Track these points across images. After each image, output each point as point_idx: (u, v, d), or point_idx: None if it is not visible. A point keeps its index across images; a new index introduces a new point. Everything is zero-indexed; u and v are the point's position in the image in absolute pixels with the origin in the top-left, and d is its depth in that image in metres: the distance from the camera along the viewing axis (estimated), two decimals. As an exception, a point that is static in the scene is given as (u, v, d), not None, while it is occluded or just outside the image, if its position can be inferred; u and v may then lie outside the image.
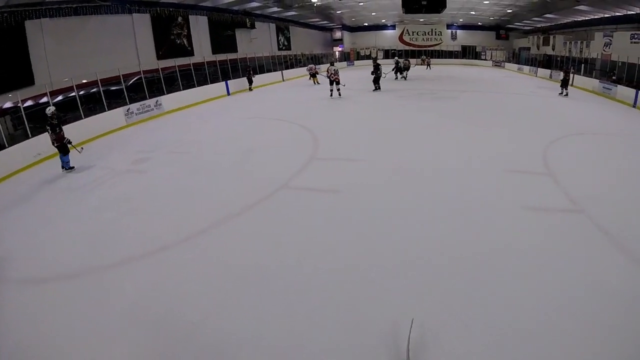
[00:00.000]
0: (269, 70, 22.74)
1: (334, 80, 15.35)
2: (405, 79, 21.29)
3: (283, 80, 23.07)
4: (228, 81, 18.02)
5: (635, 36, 17.03)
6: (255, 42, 23.84)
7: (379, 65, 17.42)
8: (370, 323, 3.26)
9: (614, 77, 18.14)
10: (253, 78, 19.51)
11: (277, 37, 27.58)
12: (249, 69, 19.72)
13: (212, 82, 17.15)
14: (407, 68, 21.78)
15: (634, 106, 14.25)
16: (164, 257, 4.44)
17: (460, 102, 14.30)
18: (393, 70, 21.65)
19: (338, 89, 15.42)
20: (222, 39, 20.98)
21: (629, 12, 18.66)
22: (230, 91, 17.81)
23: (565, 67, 18.01)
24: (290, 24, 29.24)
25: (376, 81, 16.96)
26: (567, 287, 3.64)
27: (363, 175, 6.67)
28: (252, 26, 23.38)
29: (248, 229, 5.06)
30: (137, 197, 6.29)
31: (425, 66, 30.30)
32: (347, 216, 5.22)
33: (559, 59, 25.65)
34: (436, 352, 2.95)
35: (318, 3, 23.47)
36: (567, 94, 15.96)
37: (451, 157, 7.56)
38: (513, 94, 16.45)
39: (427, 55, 34.61)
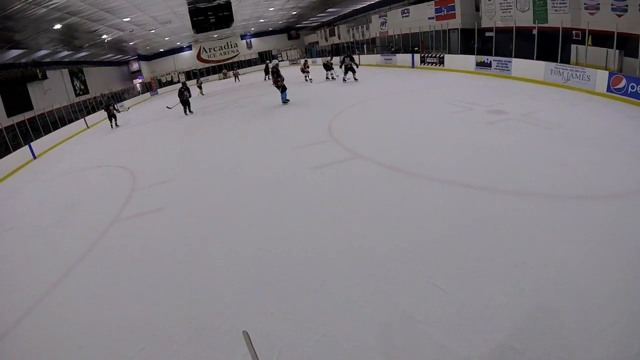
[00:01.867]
0: (70, 120, 20.26)
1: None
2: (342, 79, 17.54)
3: (87, 126, 20.95)
4: (31, 143, 15.57)
5: (405, 11, 20.66)
6: (50, 93, 20.89)
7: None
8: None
9: (393, 49, 21.86)
10: (116, 110, 18.01)
11: (72, 82, 24.63)
12: (110, 102, 18.28)
13: (14, 150, 14.57)
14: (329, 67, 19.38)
15: (412, 67, 17.69)
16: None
17: (259, 105, 15.36)
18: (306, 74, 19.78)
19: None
20: (16, 98, 17.85)
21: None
22: (36, 153, 15.47)
23: (346, 54, 19.41)
24: (83, 66, 26.34)
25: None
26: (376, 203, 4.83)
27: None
28: (44, 76, 20.39)
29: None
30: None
31: (234, 79, 31.14)
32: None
33: (345, 45, 29.47)
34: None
35: (109, 38, 21.91)
36: (356, 79, 16.61)
37: (256, 150, 8.87)
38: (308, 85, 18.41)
39: (232, 68, 35.46)
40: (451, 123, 8.20)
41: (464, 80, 13.18)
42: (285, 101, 14.11)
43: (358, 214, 4.95)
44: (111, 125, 18.29)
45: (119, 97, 27.88)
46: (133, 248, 5.25)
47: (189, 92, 16.95)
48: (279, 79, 13.82)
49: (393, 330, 3.04)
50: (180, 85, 17.30)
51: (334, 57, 23.55)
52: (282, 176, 6.81)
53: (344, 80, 16.66)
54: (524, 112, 8.05)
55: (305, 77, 19.63)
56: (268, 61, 30.03)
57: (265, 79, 25.14)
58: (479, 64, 13.88)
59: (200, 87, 25.77)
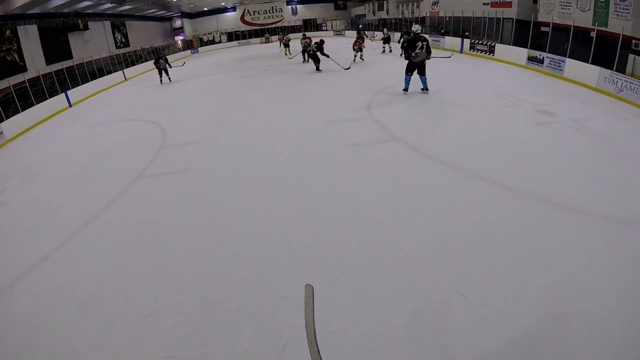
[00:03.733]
0: (109, 72, 20.55)
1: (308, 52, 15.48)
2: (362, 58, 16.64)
3: (125, 79, 21.17)
4: (68, 92, 15.90)
5: (460, -7, 19.59)
6: (91, 43, 21.25)
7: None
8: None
9: (442, 31, 21.03)
10: (168, 64, 17.01)
11: (114, 35, 24.93)
12: (161, 54, 17.47)
13: (50, 96, 14.91)
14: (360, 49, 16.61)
15: (460, 52, 16.97)
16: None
17: (298, 73, 15.32)
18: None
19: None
20: (55, 47, 18.29)
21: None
22: (72, 102, 15.80)
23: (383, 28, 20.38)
24: (126, 19, 26.58)
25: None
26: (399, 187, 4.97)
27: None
28: (86, 27, 20.73)
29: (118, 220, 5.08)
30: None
31: (280, 45, 30.46)
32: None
33: (393, 21, 28.52)
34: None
35: (154, -8, 21.90)
36: (390, 50, 18.66)
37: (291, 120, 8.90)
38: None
39: (278, 32, 35.06)
40: (497, 118, 7.79)
41: (514, 73, 12.50)
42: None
43: (387, 202, 4.78)
44: (161, 81, 16.84)
45: (159, 52, 28.02)
46: (151, 208, 5.28)
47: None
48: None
49: (409, 335, 2.90)
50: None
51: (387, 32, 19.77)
52: (313, 151, 6.71)
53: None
54: (574, 118, 7.54)
55: (355, 56, 16.29)
56: (282, 34, 29.36)
57: (279, 53, 23.40)
58: (531, 59, 13.11)
59: (287, 46, 22.50)
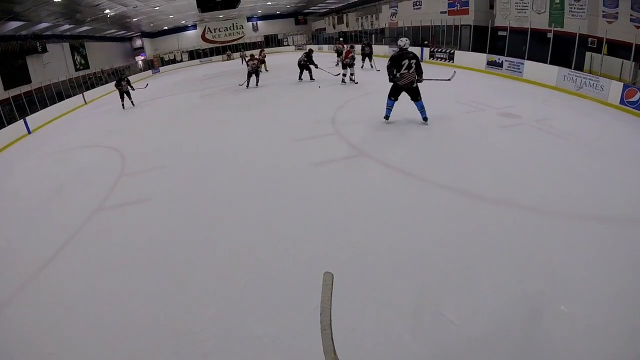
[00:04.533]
0: (68, 95, 19.85)
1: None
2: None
3: (85, 102, 20.52)
4: (26, 118, 15.23)
5: (417, 3, 20.18)
6: (50, 66, 20.50)
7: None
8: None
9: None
10: (130, 87, 15.75)
11: (73, 57, 24.20)
12: (123, 75, 16.15)
13: (9, 124, 14.23)
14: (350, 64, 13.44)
15: (421, 61, 17.28)
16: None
17: (267, 90, 15.03)
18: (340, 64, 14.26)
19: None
20: (14, 71, 17.56)
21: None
22: (31, 128, 15.14)
23: (365, 41, 19.92)
24: (85, 40, 25.86)
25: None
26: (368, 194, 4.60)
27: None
28: (44, 50, 20.00)
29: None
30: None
31: (241, 60, 30.35)
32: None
33: (353, 34, 28.96)
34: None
35: (112, 13, 21.41)
36: (379, 69, 15.38)
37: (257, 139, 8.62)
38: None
39: (239, 49, 34.96)
40: (462, 124, 7.89)
41: (474, 79, 12.87)
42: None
43: (360, 218, 4.69)
44: (123, 105, 15.48)
45: (120, 73, 27.36)
46: (112, 243, 4.98)
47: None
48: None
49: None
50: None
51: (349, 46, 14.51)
52: (282, 169, 6.59)
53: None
54: (538, 118, 7.79)
55: (344, 76, 13.71)
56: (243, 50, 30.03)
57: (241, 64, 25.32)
58: (490, 63, 13.55)
59: (263, 62, 19.80)
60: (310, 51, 14.91)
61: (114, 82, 16.94)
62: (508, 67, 12.71)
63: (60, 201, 6.72)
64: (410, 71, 7.76)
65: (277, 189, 5.83)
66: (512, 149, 6.33)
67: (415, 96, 7.96)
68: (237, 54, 34.39)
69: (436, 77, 8.79)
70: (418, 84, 7.88)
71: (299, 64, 14.92)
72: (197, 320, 3.38)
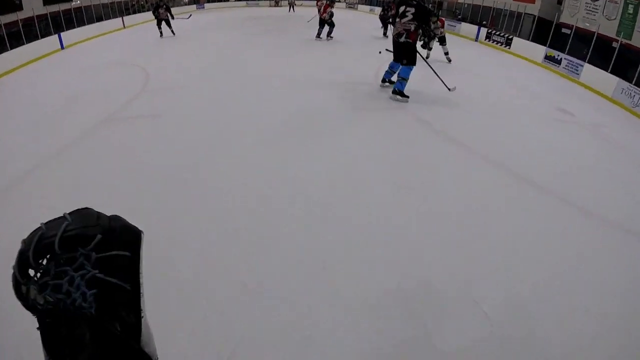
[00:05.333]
0: (108, 17, 19.40)
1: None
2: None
3: (124, 26, 20.12)
4: (61, 34, 15.07)
5: (479, -21, 19.00)
6: (93, -12, 19.94)
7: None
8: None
9: (459, 17, 20.55)
10: (170, 15, 15.43)
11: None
12: (161, 2, 15.47)
13: (43, 37, 14.11)
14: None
15: (476, 40, 16.61)
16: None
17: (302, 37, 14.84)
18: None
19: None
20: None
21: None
22: (65, 44, 15.02)
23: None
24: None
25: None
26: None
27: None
28: (90, -31, 19.38)
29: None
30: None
31: (289, 8, 29.21)
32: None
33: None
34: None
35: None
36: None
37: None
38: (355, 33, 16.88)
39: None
40: (514, 108, 7.56)
41: (530, 69, 12.27)
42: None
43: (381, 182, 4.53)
44: (160, 33, 15.35)
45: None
46: (112, 153, 5.13)
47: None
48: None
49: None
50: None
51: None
52: (306, 111, 6.61)
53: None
54: (592, 122, 7.41)
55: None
56: None
57: (289, 11, 25.97)
58: (548, 58, 12.88)
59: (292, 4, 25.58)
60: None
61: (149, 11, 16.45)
62: (566, 65, 12.06)
63: (77, 108, 6.91)
64: (404, 21, 6.06)
65: (307, 126, 5.84)
66: (563, 143, 6.06)
67: (399, 56, 6.36)
68: (285, 2, 33.10)
69: (440, 77, 7.84)
70: (422, 48, 6.78)
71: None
72: (186, 247, 3.36)
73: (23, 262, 0.45)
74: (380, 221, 3.77)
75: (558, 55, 12.50)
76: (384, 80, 7.44)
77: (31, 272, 0.45)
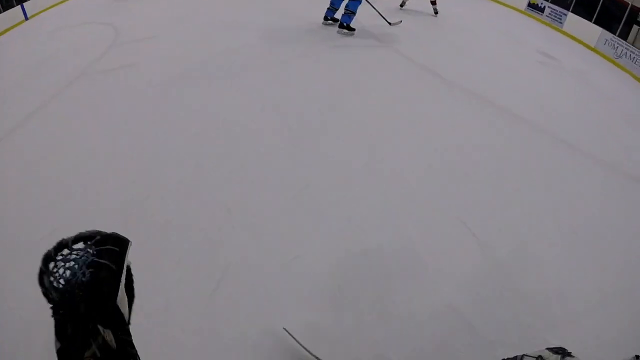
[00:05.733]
0: None
1: None
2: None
3: None
4: (24, 4, 13.45)
5: None
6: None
7: None
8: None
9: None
10: None
11: None
12: None
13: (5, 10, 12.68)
14: None
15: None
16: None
17: None
18: None
19: None
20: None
21: None
22: (29, 15, 13.56)
23: None
24: None
25: None
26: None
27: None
28: None
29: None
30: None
31: None
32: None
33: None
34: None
35: None
36: None
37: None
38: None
39: None
40: (502, 51, 7.45)
41: (512, 16, 11.88)
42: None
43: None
44: None
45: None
46: (88, 107, 5.13)
47: None
48: None
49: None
50: None
51: None
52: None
53: None
54: (576, 68, 7.11)
55: None
56: None
57: None
58: (531, 5, 12.34)
59: None
60: None
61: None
62: (550, 14, 11.60)
63: (47, 70, 6.73)
64: None
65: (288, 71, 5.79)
66: (549, 84, 5.77)
67: None
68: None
69: (380, 12, 7.51)
70: None
71: None
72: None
73: (47, 257, 0.62)
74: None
75: (541, 3, 11.98)
76: (326, 19, 7.28)
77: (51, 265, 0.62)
